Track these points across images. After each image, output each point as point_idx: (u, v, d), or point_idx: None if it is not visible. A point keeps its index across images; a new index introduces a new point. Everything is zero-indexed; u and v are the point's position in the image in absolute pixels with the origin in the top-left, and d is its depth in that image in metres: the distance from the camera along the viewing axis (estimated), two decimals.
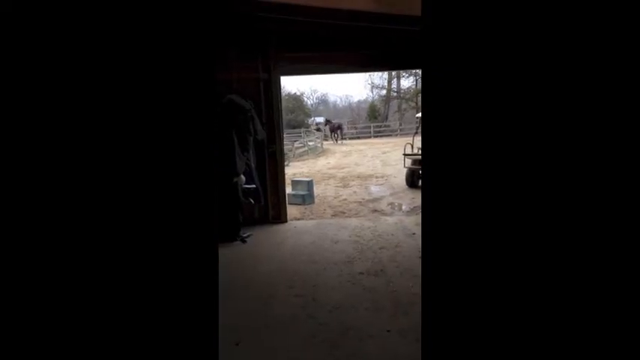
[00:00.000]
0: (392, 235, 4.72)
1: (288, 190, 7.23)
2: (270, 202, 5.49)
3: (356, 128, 26.73)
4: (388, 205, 6.70)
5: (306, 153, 17.12)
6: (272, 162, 5.46)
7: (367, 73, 29.72)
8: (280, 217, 5.55)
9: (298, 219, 5.87)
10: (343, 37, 5.23)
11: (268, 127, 5.37)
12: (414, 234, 4.70)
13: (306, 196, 6.96)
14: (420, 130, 9.87)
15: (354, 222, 5.45)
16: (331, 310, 2.89)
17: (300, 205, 6.82)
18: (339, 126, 22.15)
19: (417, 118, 10.18)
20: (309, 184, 7.11)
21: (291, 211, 6.33)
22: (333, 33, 5.21)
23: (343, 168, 12.11)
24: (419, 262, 3.80)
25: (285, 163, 13.60)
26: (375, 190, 8.18)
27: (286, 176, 10.64)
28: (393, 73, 27.74)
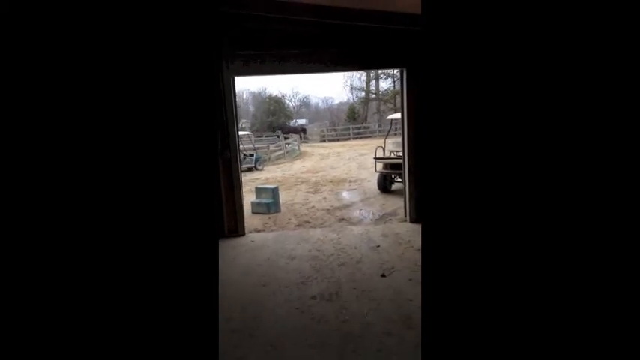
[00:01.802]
0: (355, 248, 4.31)
1: (252, 198, 6.78)
2: (225, 214, 5.02)
3: (335, 130, 26.41)
4: (358, 211, 6.31)
5: (282, 156, 16.64)
6: (227, 170, 4.99)
7: (346, 76, 29.52)
8: (237, 230, 5.08)
9: (259, 231, 5.41)
10: (303, 33, 4.82)
11: (221, 131, 4.91)
12: (378, 246, 4.30)
13: (271, 205, 6.50)
14: (392, 132, 9.54)
15: (317, 233, 5.03)
16: (269, 350, 2.44)
17: (264, 214, 6.36)
18: (302, 129, 23.85)
19: (390, 120, 9.86)
20: (274, 192, 6.66)
21: (253, 221, 5.87)
22: (292, 29, 4.80)
23: (318, 172, 11.71)
24: (379, 281, 3.41)
25: (260, 168, 13.38)
26: (346, 196, 7.79)
27: (258, 181, 10.20)
28: (372, 74, 27.56)
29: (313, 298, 3.13)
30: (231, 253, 4.41)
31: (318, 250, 4.31)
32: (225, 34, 4.71)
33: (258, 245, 4.65)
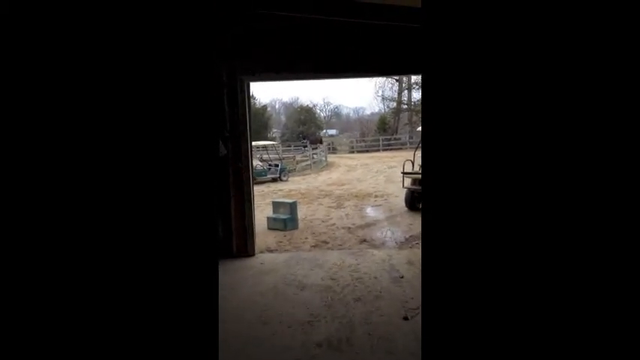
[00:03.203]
0: (375, 278, 3.74)
1: (269, 213, 6.35)
2: (234, 232, 4.59)
3: (365, 141, 25.84)
4: (382, 230, 5.71)
5: (309, 167, 16.26)
6: (237, 183, 4.57)
7: (378, 86, 29.00)
8: (247, 250, 4.63)
9: (271, 250, 4.95)
10: (310, 35, 4.34)
11: (233, 142, 4.51)
12: (401, 277, 3.71)
13: (288, 221, 6.03)
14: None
15: (334, 256, 4.49)
16: None
17: (280, 230, 5.90)
18: (319, 139, 25.21)
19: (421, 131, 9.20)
20: (292, 207, 6.19)
21: (268, 238, 5.43)
22: (298, 30, 4.33)
23: (343, 184, 11.18)
24: (400, 325, 2.81)
25: (285, 179, 13.02)
26: (370, 212, 7.20)
27: (281, 193, 9.79)
28: (404, 84, 26.86)
29: (319, 345, 2.59)
30: (236, 277, 3.95)
31: (333, 279, 3.77)
32: (227, 34, 4.32)
33: (267, 269, 4.17)
